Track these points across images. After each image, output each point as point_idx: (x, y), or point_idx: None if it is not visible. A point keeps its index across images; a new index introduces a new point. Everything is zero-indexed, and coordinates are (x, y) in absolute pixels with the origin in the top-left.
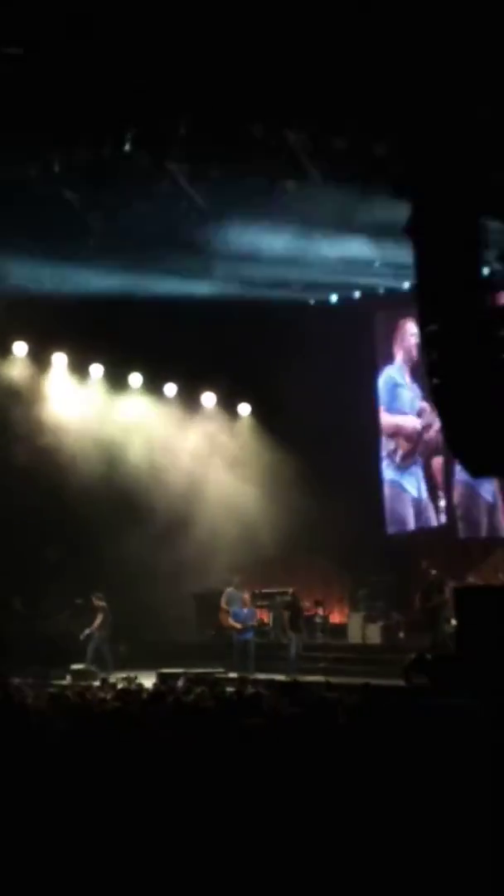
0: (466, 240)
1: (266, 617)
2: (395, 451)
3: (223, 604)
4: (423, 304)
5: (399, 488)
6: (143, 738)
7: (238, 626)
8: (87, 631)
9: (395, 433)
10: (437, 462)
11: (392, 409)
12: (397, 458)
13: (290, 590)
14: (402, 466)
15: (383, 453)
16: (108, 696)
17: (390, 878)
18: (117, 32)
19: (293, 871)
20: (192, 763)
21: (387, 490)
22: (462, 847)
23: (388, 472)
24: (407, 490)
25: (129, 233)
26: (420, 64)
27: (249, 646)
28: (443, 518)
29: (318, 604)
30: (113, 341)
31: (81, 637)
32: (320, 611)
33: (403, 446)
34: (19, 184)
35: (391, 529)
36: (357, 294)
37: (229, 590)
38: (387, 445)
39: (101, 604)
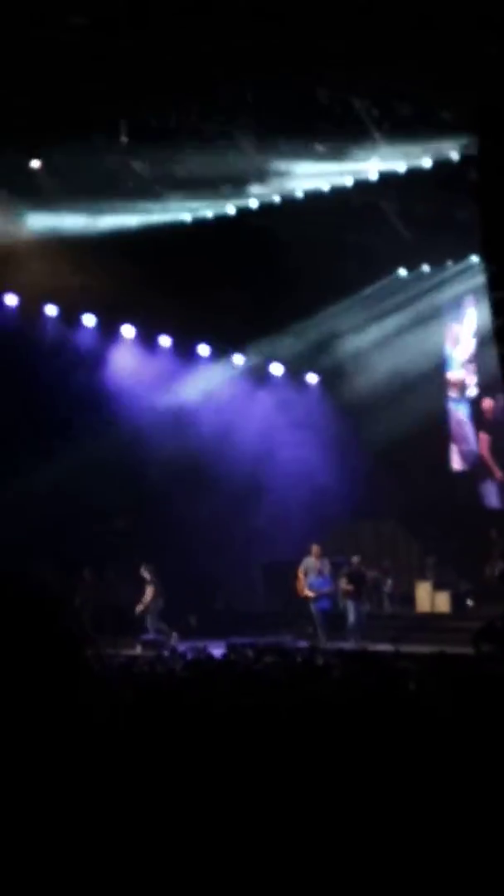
0: None
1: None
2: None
3: (300, 573)
4: (492, 269)
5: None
6: (213, 709)
7: (313, 594)
8: (139, 607)
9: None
10: None
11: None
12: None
13: (355, 558)
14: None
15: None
16: (178, 667)
17: (462, 847)
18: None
19: (366, 835)
20: (259, 733)
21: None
22: None
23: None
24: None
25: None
26: (488, 28)
27: (325, 615)
28: None
29: (385, 572)
30: (182, 313)
31: (137, 612)
32: (389, 580)
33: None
34: (90, 155)
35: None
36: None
37: (307, 559)
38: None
39: (150, 576)
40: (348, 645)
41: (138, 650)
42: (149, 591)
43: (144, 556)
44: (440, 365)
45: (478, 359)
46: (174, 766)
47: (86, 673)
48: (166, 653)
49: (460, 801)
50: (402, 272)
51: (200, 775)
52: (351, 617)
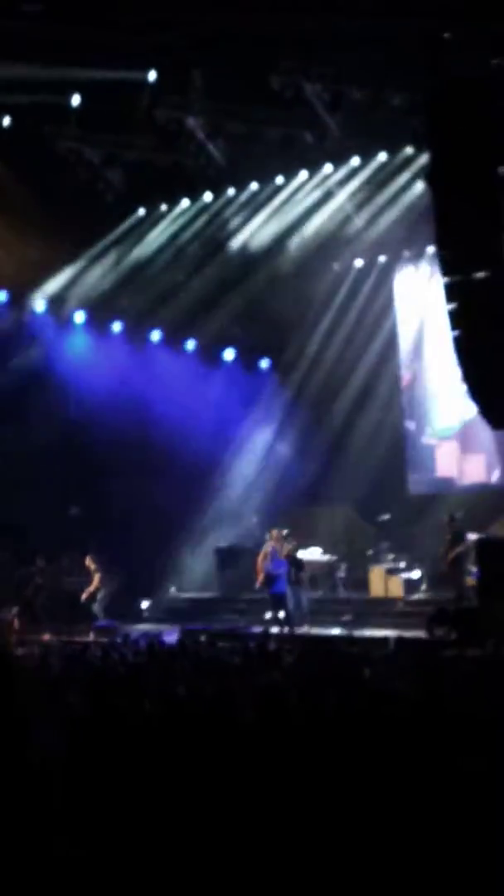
0: (486, 189)
1: None
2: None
3: (259, 558)
4: (444, 254)
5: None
6: (163, 697)
7: (268, 577)
8: (84, 595)
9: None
10: None
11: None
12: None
13: (288, 544)
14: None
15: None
16: (129, 654)
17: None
18: None
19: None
20: (211, 720)
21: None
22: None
23: (410, 424)
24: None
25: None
26: (439, 14)
27: (283, 599)
28: (466, 469)
29: (340, 558)
30: (134, 298)
31: (82, 601)
32: (343, 565)
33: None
34: (37, 140)
35: (414, 481)
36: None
37: (266, 544)
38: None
39: (94, 565)
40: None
41: (91, 637)
42: (95, 580)
43: (98, 542)
44: (393, 348)
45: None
46: (134, 754)
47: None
48: (119, 640)
49: (419, 780)
50: (359, 262)
51: (157, 763)
52: (289, 603)
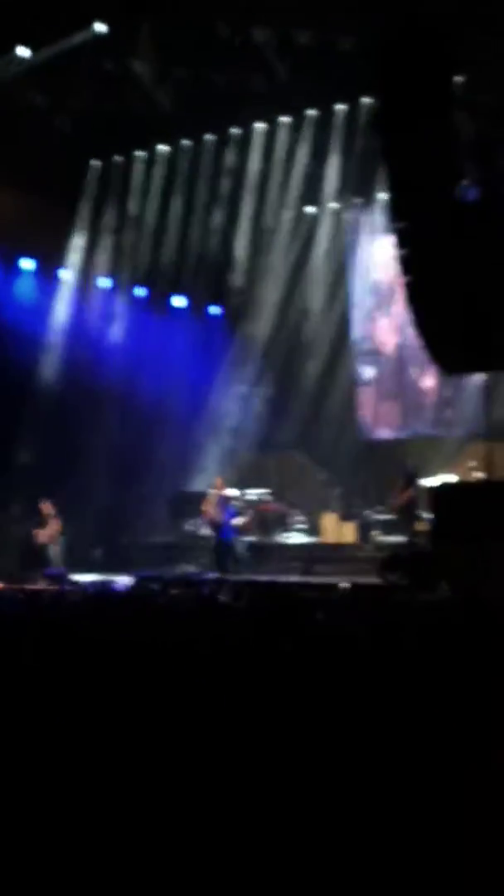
0: (436, 134)
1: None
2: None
3: (210, 504)
4: (395, 200)
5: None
6: (118, 642)
7: (217, 524)
8: (42, 538)
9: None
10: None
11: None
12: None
13: (215, 491)
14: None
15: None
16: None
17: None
18: None
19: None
20: (169, 667)
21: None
22: (442, 741)
23: (360, 372)
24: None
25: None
26: None
27: (231, 546)
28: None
29: (292, 504)
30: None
31: (36, 543)
32: (295, 511)
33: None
34: None
35: (366, 428)
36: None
37: (212, 491)
38: (361, 345)
39: (51, 510)
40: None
41: (41, 585)
42: (53, 525)
43: (47, 489)
44: (344, 295)
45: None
46: (87, 705)
47: None
48: (68, 587)
49: (372, 718)
50: (310, 209)
51: (112, 717)
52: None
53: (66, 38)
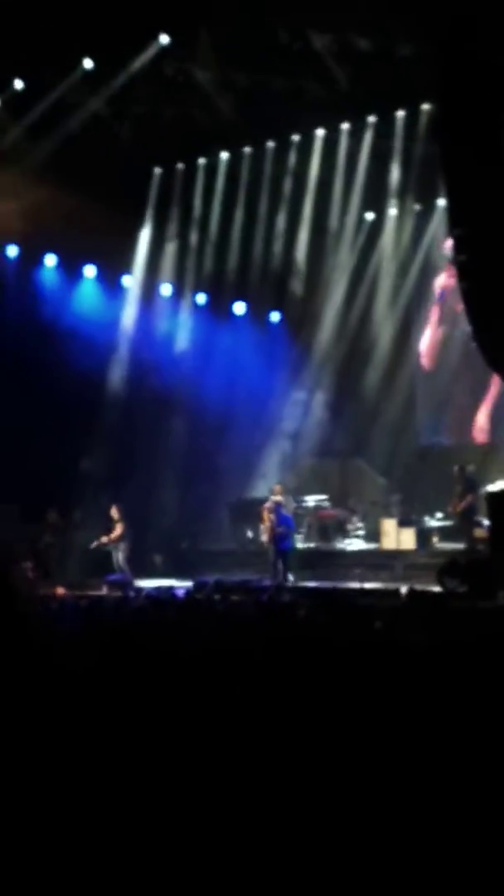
0: (493, 141)
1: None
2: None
3: (264, 513)
4: (452, 207)
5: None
6: (178, 648)
7: (278, 532)
8: (103, 540)
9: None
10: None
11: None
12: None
13: (274, 498)
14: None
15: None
16: (142, 608)
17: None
18: None
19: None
20: (227, 672)
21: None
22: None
23: (421, 379)
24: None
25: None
26: None
27: (287, 554)
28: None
29: (352, 510)
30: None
31: (92, 546)
32: (355, 518)
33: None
34: (43, 93)
35: (424, 435)
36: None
37: (273, 498)
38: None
39: (118, 515)
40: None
41: (104, 591)
42: (118, 529)
43: (110, 496)
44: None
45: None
46: (147, 710)
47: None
48: (132, 593)
49: (428, 730)
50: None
51: (173, 721)
52: (271, 556)
53: (131, 50)
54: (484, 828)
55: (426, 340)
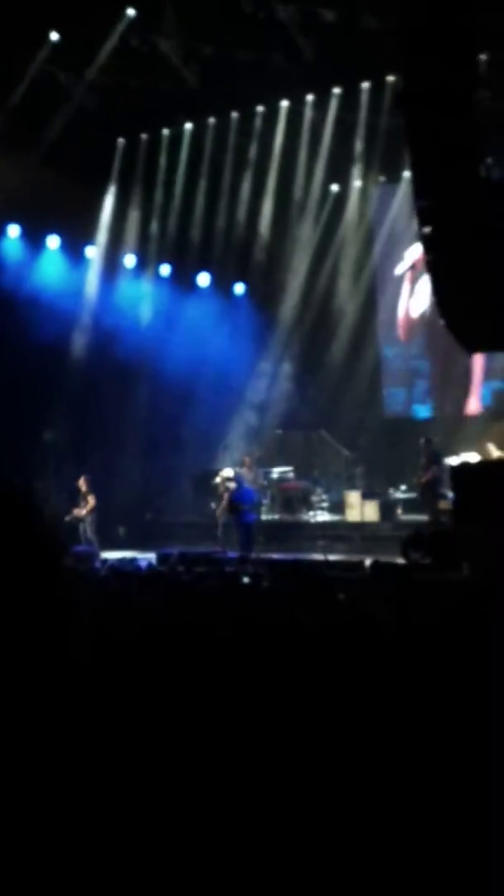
0: (462, 111)
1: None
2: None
3: (227, 485)
4: (417, 178)
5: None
6: (142, 621)
7: (241, 507)
8: (79, 512)
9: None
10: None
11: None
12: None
13: (226, 471)
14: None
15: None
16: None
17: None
18: None
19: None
20: (191, 644)
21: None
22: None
23: (387, 351)
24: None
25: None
26: None
27: (251, 527)
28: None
29: (316, 482)
30: (108, 224)
31: (67, 519)
32: (318, 489)
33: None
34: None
35: (390, 407)
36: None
37: (236, 469)
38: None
39: (87, 487)
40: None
41: (69, 563)
42: (90, 501)
43: (74, 467)
44: (369, 273)
45: None
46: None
47: (64, 583)
48: (98, 565)
49: (392, 698)
50: (335, 187)
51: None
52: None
53: (97, 22)
54: (458, 803)
55: (401, 312)
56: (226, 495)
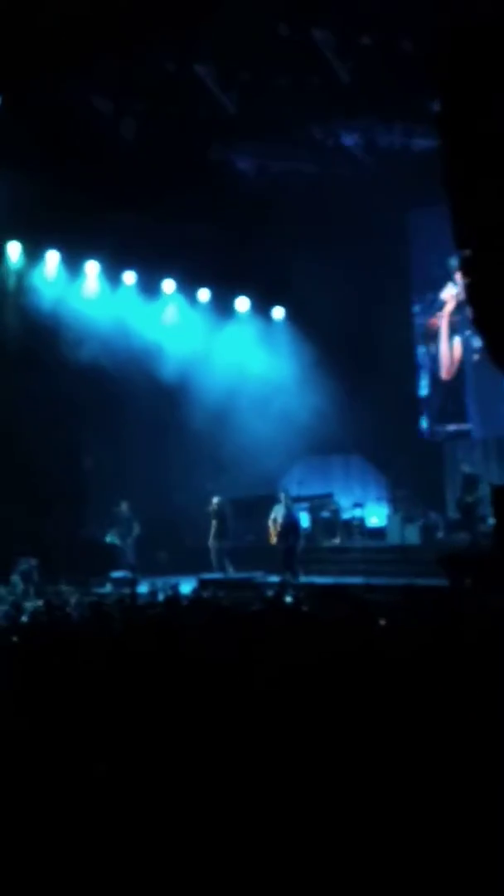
0: (498, 136)
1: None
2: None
3: (270, 521)
4: (453, 202)
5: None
6: (185, 645)
7: (289, 532)
8: (128, 539)
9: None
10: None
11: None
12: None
13: (215, 499)
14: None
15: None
16: (147, 605)
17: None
18: None
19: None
20: (231, 668)
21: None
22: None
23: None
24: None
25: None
26: None
27: (291, 551)
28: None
29: (356, 506)
30: (146, 248)
31: (113, 541)
32: (359, 513)
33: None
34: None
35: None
36: None
37: (276, 506)
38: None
39: (129, 513)
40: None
41: (108, 588)
42: (134, 528)
43: (114, 493)
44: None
45: None
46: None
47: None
48: (137, 590)
49: (434, 724)
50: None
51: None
52: (213, 556)
53: (131, 48)
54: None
55: (442, 352)
56: (272, 525)
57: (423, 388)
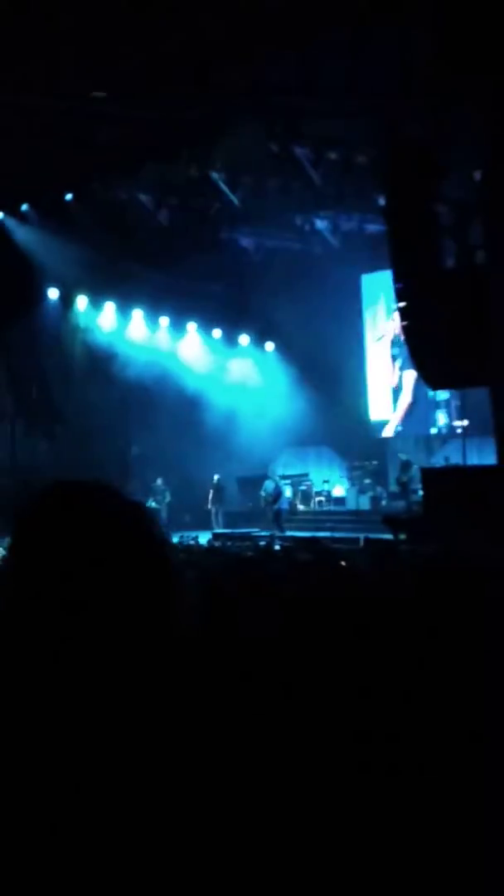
0: (426, 218)
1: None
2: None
3: (264, 488)
4: (395, 267)
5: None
6: (203, 580)
7: (269, 499)
8: (163, 504)
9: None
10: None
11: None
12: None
13: (216, 476)
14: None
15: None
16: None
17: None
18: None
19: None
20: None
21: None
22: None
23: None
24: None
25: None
26: (389, 94)
27: (278, 513)
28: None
29: (325, 482)
30: (175, 300)
31: (152, 504)
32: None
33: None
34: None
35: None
36: None
37: (266, 481)
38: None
39: (162, 485)
40: (299, 534)
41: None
42: (166, 496)
43: (153, 472)
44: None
45: None
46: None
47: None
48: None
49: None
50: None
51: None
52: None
53: (166, 159)
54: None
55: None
56: (263, 495)
57: (372, 397)
